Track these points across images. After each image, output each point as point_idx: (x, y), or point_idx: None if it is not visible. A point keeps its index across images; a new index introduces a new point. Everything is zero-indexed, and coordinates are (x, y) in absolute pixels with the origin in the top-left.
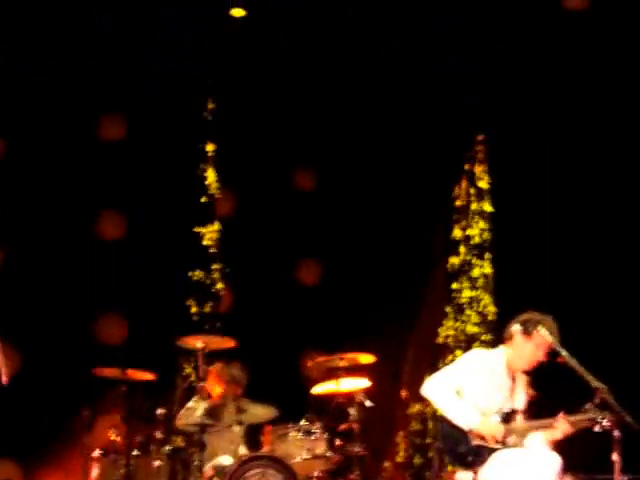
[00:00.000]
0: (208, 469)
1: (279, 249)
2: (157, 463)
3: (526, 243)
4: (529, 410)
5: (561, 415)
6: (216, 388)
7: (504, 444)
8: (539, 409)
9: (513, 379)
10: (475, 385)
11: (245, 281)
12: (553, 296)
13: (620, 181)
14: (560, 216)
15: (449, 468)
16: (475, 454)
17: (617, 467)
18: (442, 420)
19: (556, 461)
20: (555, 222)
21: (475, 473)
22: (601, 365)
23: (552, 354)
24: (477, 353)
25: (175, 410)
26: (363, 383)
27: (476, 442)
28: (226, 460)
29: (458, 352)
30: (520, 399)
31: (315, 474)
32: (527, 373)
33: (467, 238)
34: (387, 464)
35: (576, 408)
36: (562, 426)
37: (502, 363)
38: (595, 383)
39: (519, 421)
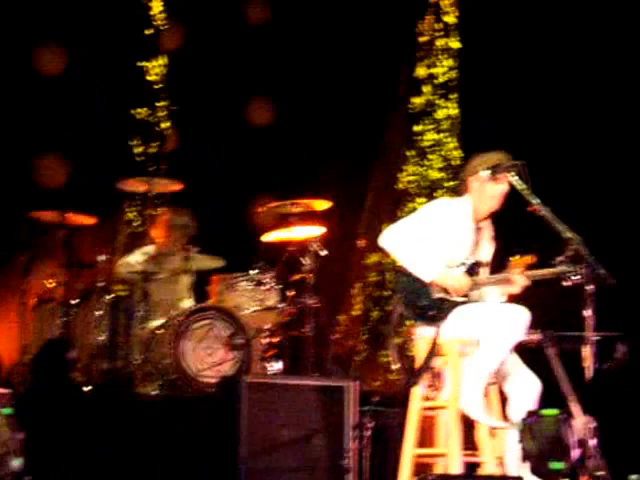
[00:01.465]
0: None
1: (229, 86)
2: (98, 313)
3: (495, 82)
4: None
5: (516, 266)
6: (161, 235)
7: (468, 298)
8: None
9: (478, 229)
10: (438, 236)
11: (192, 120)
12: (522, 139)
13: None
14: (531, 51)
15: (408, 322)
16: (437, 308)
17: (588, 324)
18: (401, 272)
19: (524, 315)
20: (526, 59)
21: (437, 327)
22: (575, 215)
23: (524, 203)
24: (441, 202)
25: (117, 257)
26: (317, 231)
27: (438, 295)
28: (171, 311)
29: (420, 199)
30: (485, 251)
31: (266, 327)
32: (493, 223)
33: (431, 77)
34: (342, 317)
35: (548, 261)
36: (520, 280)
37: (468, 212)
38: (568, 234)
39: (483, 274)
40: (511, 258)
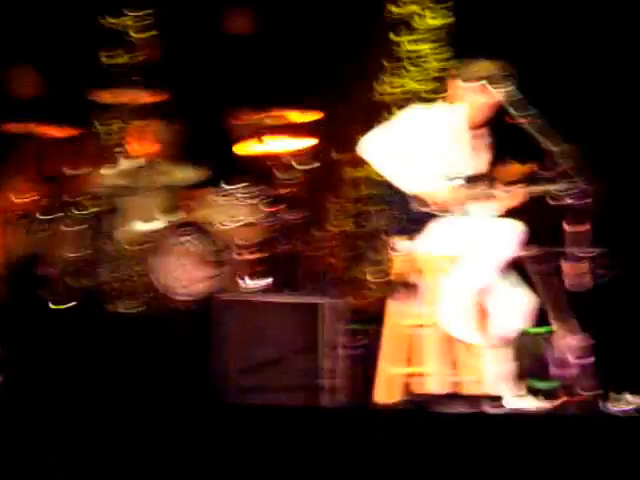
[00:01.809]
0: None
1: None
2: (67, 228)
3: None
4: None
5: (510, 175)
6: (137, 147)
7: (454, 212)
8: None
9: (473, 139)
10: (426, 144)
11: (168, 28)
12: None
13: None
14: None
15: (387, 236)
16: (419, 222)
17: (580, 239)
18: (382, 183)
19: (517, 230)
20: None
21: (418, 242)
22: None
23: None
24: (428, 107)
25: (91, 171)
26: (298, 143)
27: (422, 209)
28: (146, 226)
29: (398, 110)
30: (481, 163)
31: (243, 242)
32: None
33: None
34: (320, 231)
35: (535, 173)
36: (512, 197)
37: (460, 120)
38: (555, 146)
39: (478, 187)
40: (504, 166)
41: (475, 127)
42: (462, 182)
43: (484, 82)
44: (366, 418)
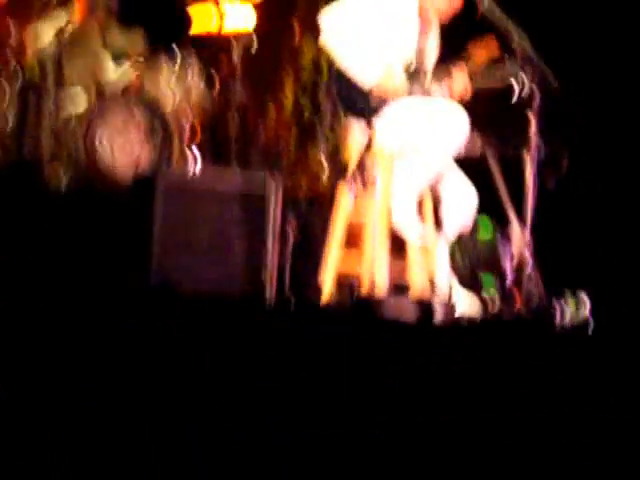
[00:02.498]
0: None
1: None
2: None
3: None
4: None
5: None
6: (76, 9)
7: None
8: None
9: (424, 29)
10: (375, 27)
11: None
12: None
13: None
14: None
15: (342, 117)
16: (374, 110)
17: (533, 141)
18: (337, 65)
19: (464, 118)
20: None
21: (371, 125)
22: None
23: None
24: None
25: (26, 31)
26: (248, 21)
27: (377, 97)
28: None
29: None
30: (431, 54)
31: (188, 122)
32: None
33: None
34: (271, 113)
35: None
36: (459, 76)
37: (412, 6)
38: (514, 34)
39: (427, 80)
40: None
41: (436, 16)
42: (417, 76)
43: None
44: (311, 317)
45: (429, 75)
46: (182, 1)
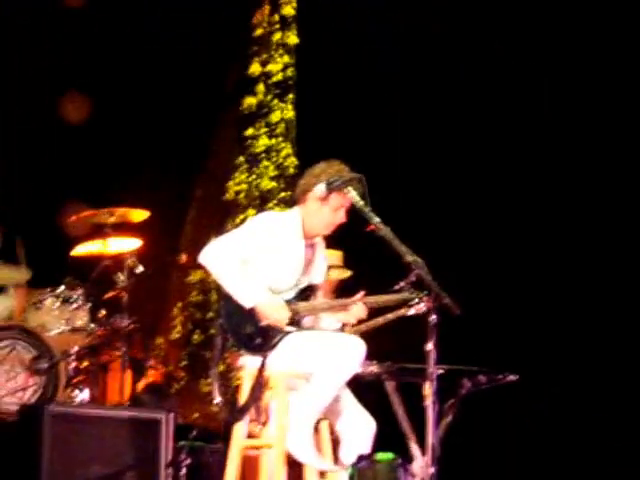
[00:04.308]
0: None
1: (40, 79)
2: None
3: (335, 82)
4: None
5: (360, 295)
6: None
7: (298, 325)
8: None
9: (311, 247)
10: (264, 255)
11: None
12: (362, 146)
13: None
14: (374, 47)
15: (232, 350)
16: (263, 336)
17: (431, 357)
18: (225, 294)
19: (359, 346)
20: (369, 53)
21: (263, 358)
22: (417, 235)
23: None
24: (266, 216)
25: None
26: (134, 244)
27: (265, 322)
28: None
29: (251, 211)
30: (319, 271)
31: (74, 350)
32: (326, 238)
33: (267, 75)
34: (160, 340)
35: (389, 287)
36: (356, 310)
37: (297, 228)
38: (410, 257)
39: (319, 298)
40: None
41: (320, 234)
42: (307, 292)
43: (341, 187)
44: None
45: (321, 292)
46: (67, 238)
